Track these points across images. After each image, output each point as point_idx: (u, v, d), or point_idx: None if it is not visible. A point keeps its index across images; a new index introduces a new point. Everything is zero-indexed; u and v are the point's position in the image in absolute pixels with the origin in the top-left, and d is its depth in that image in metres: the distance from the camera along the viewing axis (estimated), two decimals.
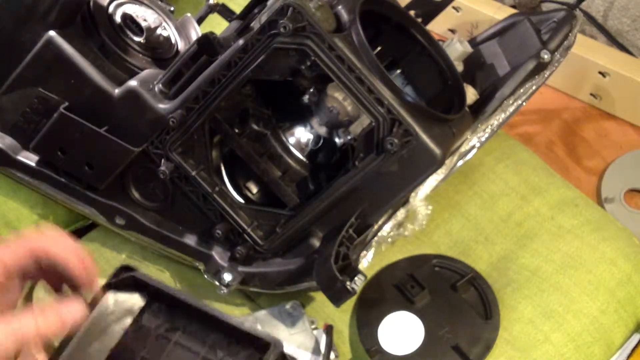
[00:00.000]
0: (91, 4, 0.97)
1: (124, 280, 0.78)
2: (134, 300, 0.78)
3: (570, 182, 1.12)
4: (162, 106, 0.90)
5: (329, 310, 0.98)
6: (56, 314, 0.67)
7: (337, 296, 0.81)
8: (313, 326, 0.93)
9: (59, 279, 0.74)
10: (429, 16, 1.04)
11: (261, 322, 0.93)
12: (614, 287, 0.99)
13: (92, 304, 0.77)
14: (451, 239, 1.05)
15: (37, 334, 0.66)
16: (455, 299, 0.96)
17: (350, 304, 0.98)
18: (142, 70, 0.96)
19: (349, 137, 0.88)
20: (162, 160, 0.91)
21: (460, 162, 0.90)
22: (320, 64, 0.82)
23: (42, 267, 0.72)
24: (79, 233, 1.11)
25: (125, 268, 0.79)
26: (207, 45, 0.89)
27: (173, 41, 1.04)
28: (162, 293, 0.78)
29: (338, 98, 0.87)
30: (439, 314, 0.95)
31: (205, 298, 1.00)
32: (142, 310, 0.78)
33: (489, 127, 0.92)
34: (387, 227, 0.89)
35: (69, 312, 0.68)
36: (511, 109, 0.93)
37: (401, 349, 0.92)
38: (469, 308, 0.95)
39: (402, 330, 0.93)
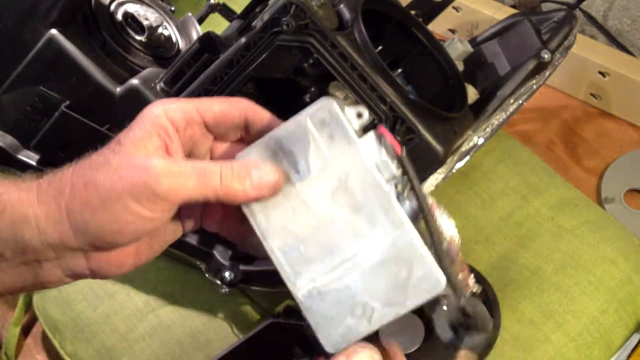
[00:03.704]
0: (92, 2, 0.97)
1: None
2: None
3: (570, 182, 1.12)
4: None
5: None
6: (246, 173, 0.60)
7: None
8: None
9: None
10: (429, 16, 1.04)
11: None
12: (614, 287, 0.99)
13: None
14: None
15: (221, 187, 0.60)
16: None
17: None
18: (143, 69, 0.96)
19: None
20: None
21: (461, 162, 0.90)
22: (323, 61, 0.82)
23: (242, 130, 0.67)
24: None
25: None
26: (209, 43, 0.89)
27: (174, 40, 1.04)
28: None
29: (339, 97, 0.87)
30: None
31: (206, 297, 1.00)
32: None
33: (490, 126, 0.92)
34: None
35: (260, 176, 0.60)
36: (512, 108, 0.93)
37: (401, 348, 0.92)
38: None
39: (402, 328, 0.93)
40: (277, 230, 0.65)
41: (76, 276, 0.63)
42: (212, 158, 0.68)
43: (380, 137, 0.62)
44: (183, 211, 0.68)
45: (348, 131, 0.62)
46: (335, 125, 0.62)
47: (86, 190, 0.60)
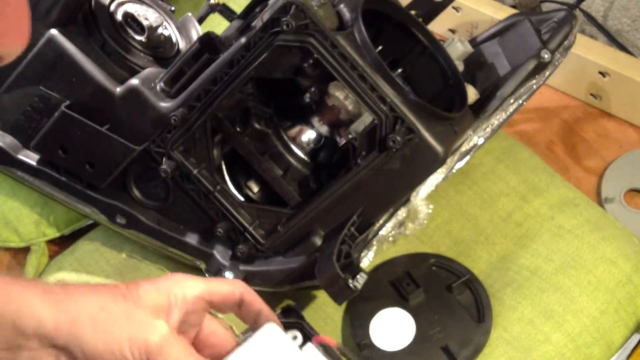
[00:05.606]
0: (92, 2, 0.97)
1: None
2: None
3: (570, 182, 1.12)
4: (164, 104, 0.90)
5: (329, 309, 0.98)
6: None
7: (339, 294, 0.81)
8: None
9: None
10: (429, 16, 1.04)
11: None
12: (614, 287, 0.99)
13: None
14: (451, 239, 1.05)
15: None
16: (449, 300, 0.96)
17: None
18: (143, 69, 0.96)
19: (350, 136, 0.88)
20: (164, 159, 0.91)
21: (461, 162, 0.90)
22: (323, 61, 0.82)
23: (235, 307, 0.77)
24: (79, 233, 1.12)
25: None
26: (209, 43, 0.89)
27: (174, 40, 1.04)
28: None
29: (339, 97, 0.87)
30: (431, 313, 0.95)
31: None
32: None
33: (490, 126, 0.92)
34: (388, 226, 0.89)
35: None
36: (512, 108, 0.93)
37: (391, 345, 0.92)
38: (462, 310, 0.95)
39: (393, 326, 0.94)
40: None
41: None
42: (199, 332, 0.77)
43: (319, 344, 0.75)
44: None
45: (293, 344, 0.73)
46: (280, 341, 0.72)
47: (100, 311, 0.69)
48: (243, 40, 0.85)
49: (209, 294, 0.74)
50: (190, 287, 0.73)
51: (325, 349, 0.76)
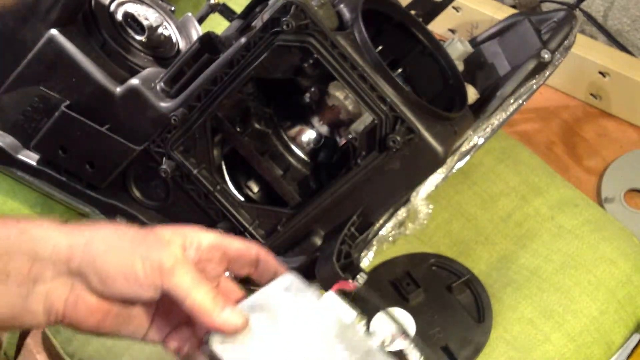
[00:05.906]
0: (92, 2, 0.98)
1: None
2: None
3: (570, 182, 1.12)
4: (164, 104, 0.90)
5: None
6: (223, 304, 0.68)
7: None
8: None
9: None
10: (429, 16, 1.04)
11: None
12: (614, 287, 0.99)
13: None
14: (451, 239, 1.05)
15: (201, 300, 0.67)
16: (449, 299, 0.96)
17: None
18: (143, 69, 0.96)
19: (350, 136, 0.88)
20: (164, 159, 0.91)
21: (461, 162, 0.90)
22: (323, 61, 0.82)
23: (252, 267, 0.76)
24: None
25: None
26: (209, 43, 0.89)
27: (174, 40, 1.04)
28: None
29: (339, 97, 0.87)
30: (431, 313, 0.95)
31: None
32: None
33: (490, 126, 0.92)
34: (388, 226, 0.89)
35: (226, 318, 0.68)
36: (512, 108, 0.93)
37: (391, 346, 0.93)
38: (462, 310, 0.95)
39: (393, 326, 0.94)
40: None
41: (50, 314, 0.68)
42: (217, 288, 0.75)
43: (337, 293, 0.73)
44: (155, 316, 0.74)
45: (311, 291, 0.72)
46: (299, 286, 0.72)
47: (113, 234, 0.69)
48: (243, 40, 0.85)
49: (224, 246, 0.73)
50: (205, 236, 0.72)
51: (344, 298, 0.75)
